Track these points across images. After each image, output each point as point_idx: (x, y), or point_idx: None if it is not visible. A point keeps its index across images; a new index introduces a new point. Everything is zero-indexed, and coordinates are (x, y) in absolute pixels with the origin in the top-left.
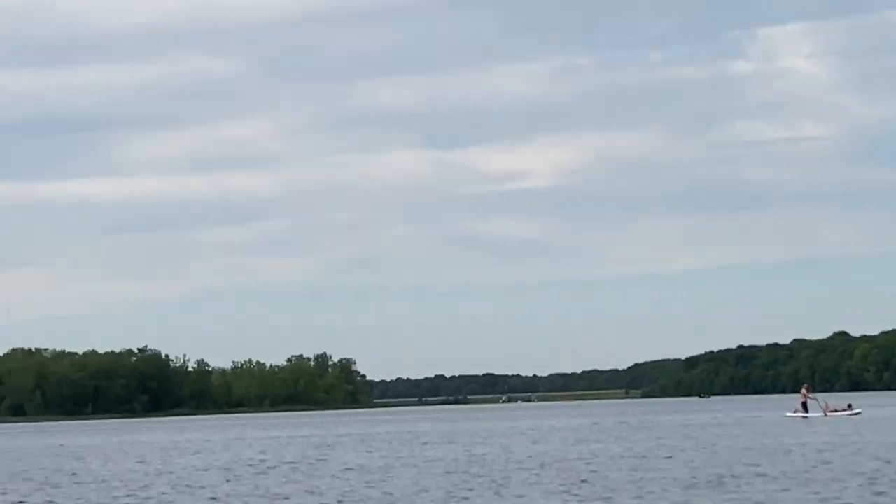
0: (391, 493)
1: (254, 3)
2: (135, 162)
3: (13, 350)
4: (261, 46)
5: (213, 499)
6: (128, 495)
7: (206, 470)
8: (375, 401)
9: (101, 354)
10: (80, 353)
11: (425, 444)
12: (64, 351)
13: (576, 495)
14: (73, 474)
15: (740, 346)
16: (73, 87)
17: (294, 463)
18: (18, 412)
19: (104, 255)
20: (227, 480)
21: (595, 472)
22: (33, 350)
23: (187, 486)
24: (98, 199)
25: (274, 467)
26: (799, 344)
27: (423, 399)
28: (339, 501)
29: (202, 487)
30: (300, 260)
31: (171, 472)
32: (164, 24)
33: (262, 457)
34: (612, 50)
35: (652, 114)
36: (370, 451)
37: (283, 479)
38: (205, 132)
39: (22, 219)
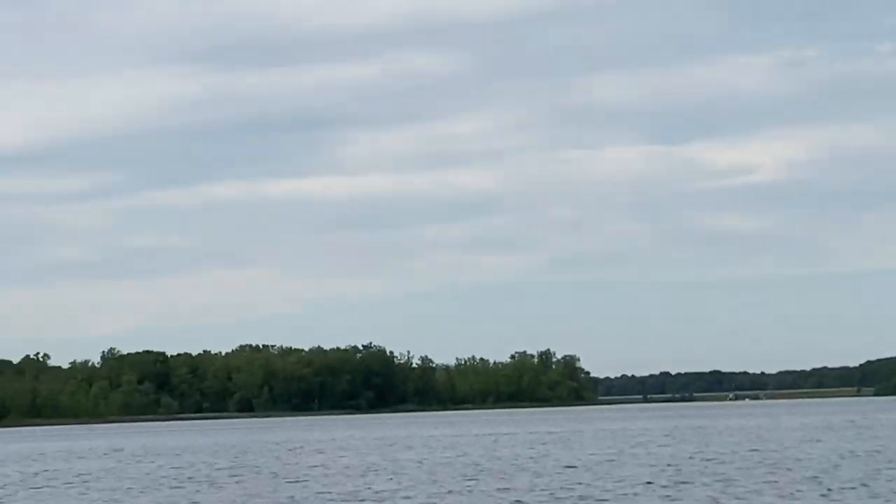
0: (607, 489)
1: (474, 1)
2: (360, 160)
3: (242, 347)
4: (482, 44)
5: (431, 494)
6: (333, 489)
7: (420, 464)
8: (599, 398)
9: (326, 351)
10: (307, 349)
11: (646, 441)
12: (291, 348)
13: (790, 494)
14: (297, 467)
15: None
16: (301, 87)
17: (514, 460)
18: (246, 408)
19: (330, 252)
20: (439, 477)
21: (816, 470)
22: (261, 347)
23: (405, 483)
24: (324, 197)
25: (492, 463)
26: None
27: (648, 396)
28: (554, 498)
29: (419, 483)
30: (523, 256)
31: (387, 468)
32: (387, 23)
33: (481, 453)
34: (840, 41)
35: (882, 105)
36: (587, 448)
37: (501, 476)
38: (428, 130)
39: (250, 217)
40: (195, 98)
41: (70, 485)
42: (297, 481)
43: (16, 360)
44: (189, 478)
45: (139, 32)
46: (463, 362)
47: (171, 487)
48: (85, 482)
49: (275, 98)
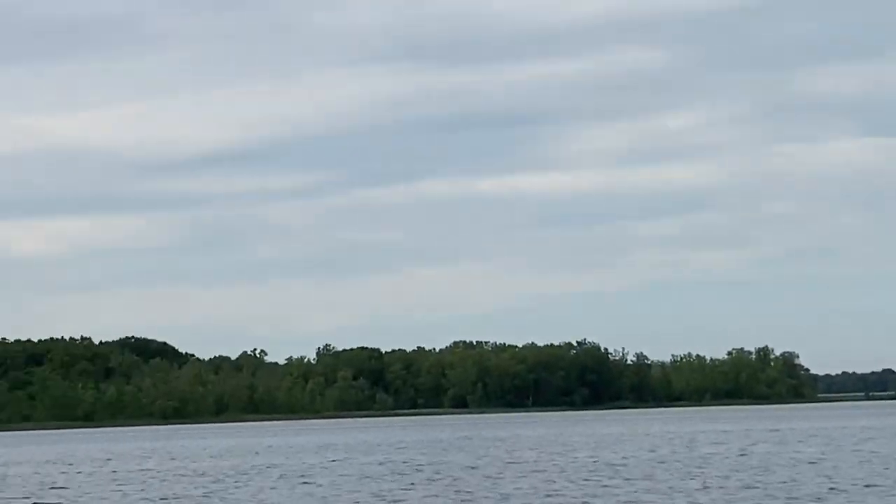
0: (814, 488)
1: None
2: (572, 155)
3: (455, 343)
4: (698, 36)
5: (630, 493)
6: (528, 484)
7: (626, 461)
8: (819, 395)
9: (540, 347)
10: (521, 346)
11: (864, 439)
12: (504, 344)
13: None
14: (508, 463)
15: None
16: (513, 83)
17: (725, 457)
18: (461, 404)
19: (542, 248)
20: (643, 475)
21: None
22: (475, 343)
23: (605, 480)
24: (536, 192)
25: (699, 460)
26: None
27: (870, 394)
28: (761, 496)
29: (623, 481)
30: (740, 251)
31: (589, 465)
32: (600, 17)
33: (689, 450)
34: None
35: None
36: (802, 446)
37: (709, 474)
38: (642, 124)
39: (462, 214)
40: (408, 96)
41: (282, 479)
42: (496, 477)
43: (234, 356)
44: (400, 473)
45: (353, 31)
46: (679, 359)
47: (377, 482)
48: (295, 476)
49: (487, 94)
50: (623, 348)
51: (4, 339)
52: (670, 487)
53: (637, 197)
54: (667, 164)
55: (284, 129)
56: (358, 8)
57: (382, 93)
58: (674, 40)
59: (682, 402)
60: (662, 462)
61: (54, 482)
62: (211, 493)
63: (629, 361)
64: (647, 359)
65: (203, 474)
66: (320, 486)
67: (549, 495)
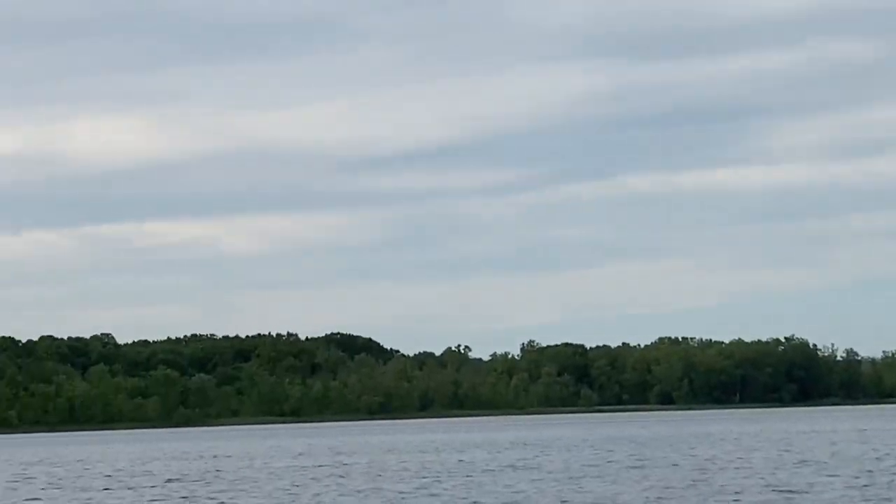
0: None
1: None
2: (778, 149)
3: (661, 339)
4: None
5: (838, 489)
6: (717, 481)
7: (831, 458)
8: None
9: (747, 343)
10: (727, 341)
11: None
12: (710, 340)
13: None
14: (705, 461)
15: None
16: (715, 77)
17: None
18: (667, 401)
19: (749, 243)
20: (838, 471)
21: None
22: (680, 339)
23: (798, 476)
24: (742, 187)
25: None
26: None
27: None
28: None
29: (825, 476)
30: None
31: (785, 462)
32: (803, 9)
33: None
34: None
35: None
36: None
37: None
38: (850, 117)
39: (667, 208)
40: (610, 90)
41: (484, 474)
42: (690, 476)
43: (438, 352)
44: (602, 470)
45: (555, 27)
46: (890, 355)
47: (576, 481)
48: (498, 472)
49: (688, 89)
50: (832, 344)
51: (213, 335)
52: (868, 485)
53: (844, 190)
54: (874, 156)
55: (486, 126)
56: (560, 3)
57: (584, 88)
58: (879, 31)
59: (893, 399)
60: (859, 458)
61: (256, 477)
62: (411, 489)
63: (839, 358)
64: (858, 355)
65: (405, 469)
66: (521, 481)
67: (737, 492)
